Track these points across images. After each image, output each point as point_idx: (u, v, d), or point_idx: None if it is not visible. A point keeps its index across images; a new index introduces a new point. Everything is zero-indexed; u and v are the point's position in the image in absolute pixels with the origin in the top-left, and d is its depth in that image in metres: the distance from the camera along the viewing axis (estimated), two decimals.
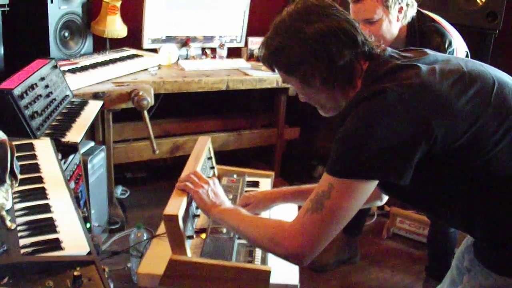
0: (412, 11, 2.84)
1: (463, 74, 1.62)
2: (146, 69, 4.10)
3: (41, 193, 1.94)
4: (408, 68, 1.62)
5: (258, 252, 2.00)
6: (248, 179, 2.63)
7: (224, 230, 2.10)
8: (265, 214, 2.26)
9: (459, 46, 2.86)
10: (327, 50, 1.64)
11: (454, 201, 1.63)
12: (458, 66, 1.66)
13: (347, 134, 1.55)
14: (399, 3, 2.76)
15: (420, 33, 2.85)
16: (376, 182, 1.57)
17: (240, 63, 4.61)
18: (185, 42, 4.53)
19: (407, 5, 2.80)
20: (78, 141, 2.72)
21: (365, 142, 1.49)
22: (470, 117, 1.54)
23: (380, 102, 1.53)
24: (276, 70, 1.81)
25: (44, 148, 2.38)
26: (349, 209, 1.57)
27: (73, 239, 1.67)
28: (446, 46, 2.77)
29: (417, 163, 1.52)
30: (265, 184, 2.63)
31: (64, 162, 2.70)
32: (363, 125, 1.53)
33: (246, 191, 2.50)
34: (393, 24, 2.80)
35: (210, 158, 2.56)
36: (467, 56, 2.93)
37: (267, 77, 4.33)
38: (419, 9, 2.92)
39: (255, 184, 2.61)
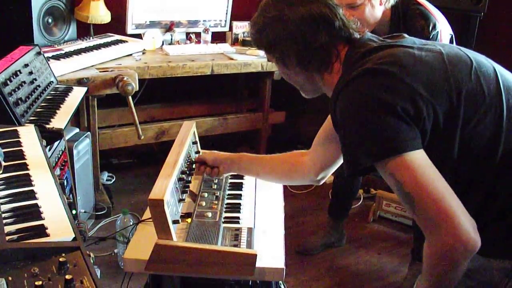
0: None
1: (441, 53, 1.65)
2: (130, 55, 4.09)
3: (26, 180, 1.93)
4: (385, 48, 1.67)
5: (244, 236, 2.01)
6: None
7: (210, 214, 2.11)
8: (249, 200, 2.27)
9: (443, 29, 2.86)
10: (303, 33, 1.71)
11: None
12: (435, 47, 1.70)
13: (353, 122, 1.57)
14: None
15: (404, 16, 2.85)
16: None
17: (224, 47, 4.60)
18: (169, 27, 4.51)
19: None
20: (63, 127, 2.71)
21: (373, 118, 1.52)
22: (451, 94, 1.56)
23: (367, 80, 1.58)
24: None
25: (28, 135, 2.36)
26: (430, 178, 1.49)
27: (58, 226, 1.66)
28: (430, 28, 2.78)
29: None
30: None
31: (50, 149, 2.69)
32: (357, 109, 1.56)
33: (231, 175, 2.50)
34: (376, 8, 2.80)
35: (195, 143, 2.56)
36: (451, 39, 2.94)
37: (252, 61, 4.34)
38: None
39: None
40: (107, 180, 4.45)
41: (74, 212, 2.89)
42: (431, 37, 2.77)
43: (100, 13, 4.09)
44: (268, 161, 2.36)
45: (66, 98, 3.07)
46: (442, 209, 1.46)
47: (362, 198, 4.44)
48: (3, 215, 1.69)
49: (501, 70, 1.70)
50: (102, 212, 3.87)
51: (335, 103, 1.65)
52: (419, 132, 1.52)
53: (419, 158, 1.50)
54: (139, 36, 4.32)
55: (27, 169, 2.02)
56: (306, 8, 1.71)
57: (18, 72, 2.79)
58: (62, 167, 2.95)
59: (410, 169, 1.49)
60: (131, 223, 3.17)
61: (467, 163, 1.60)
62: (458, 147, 1.57)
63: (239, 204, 2.29)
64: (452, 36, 2.96)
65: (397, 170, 1.51)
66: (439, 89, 1.55)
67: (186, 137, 2.37)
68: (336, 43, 1.74)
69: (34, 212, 1.72)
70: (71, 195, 3.08)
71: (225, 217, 2.14)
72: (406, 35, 1.79)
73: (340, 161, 2.15)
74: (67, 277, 1.29)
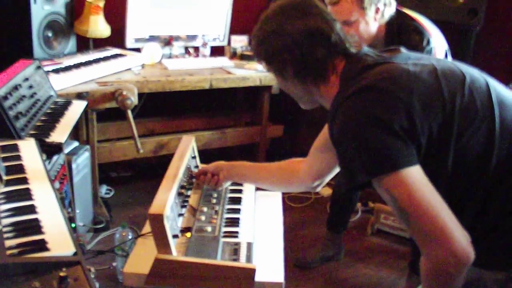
0: (390, 10, 2.87)
1: (435, 68, 1.69)
2: (129, 69, 4.10)
3: (26, 194, 1.93)
4: (381, 64, 1.71)
5: (243, 250, 2.02)
6: None
7: (209, 229, 2.12)
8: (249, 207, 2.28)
9: (437, 45, 2.88)
10: (300, 47, 1.75)
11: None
12: (429, 62, 1.73)
13: (350, 138, 1.60)
14: (375, 4, 2.79)
15: (399, 32, 2.88)
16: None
17: (223, 61, 4.62)
18: (168, 41, 4.54)
19: (384, 4, 2.83)
20: (63, 141, 2.72)
21: (370, 136, 1.55)
22: (444, 108, 1.59)
23: (364, 98, 1.61)
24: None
25: (28, 149, 2.37)
26: (424, 194, 1.52)
27: (58, 240, 1.66)
28: (424, 44, 2.80)
29: None
30: None
31: (49, 162, 2.70)
32: (354, 126, 1.59)
33: (230, 190, 2.52)
34: (370, 24, 2.84)
35: (194, 157, 2.58)
36: (446, 54, 2.96)
37: (250, 76, 4.36)
38: (398, 8, 2.95)
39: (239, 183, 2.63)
40: (105, 193, 4.44)
41: (73, 225, 2.90)
42: (425, 52, 2.79)
43: (99, 27, 4.10)
44: (266, 168, 2.42)
45: (65, 112, 3.07)
46: (436, 225, 1.49)
47: (360, 211, 4.44)
48: (4, 229, 1.70)
49: (494, 84, 1.73)
50: (100, 226, 3.86)
51: (333, 119, 1.69)
52: (414, 147, 1.55)
53: (414, 174, 1.53)
54: (138, 50, 4.33)
55: (28, 183, 2.03)
56: (304, 22, 1.75)
57: (19, 86, 2.80)
58: (61, 181, 2.96)
59: (405, 186, 1.52)
60: (130, 237, 3.17)
61: (461, 176, 1.62)
62: (452, 161, 1.60)
63: (238, 218, 2.30)
64: (446, 52, 2.98)
65: (392, 186, 1.54)
66: (433, 104, 1.59)
67: (186, 152, 2.39)
68: (332, 57, 1.78)
69: (35, 227, 1.73)
70: (70, 209, 3.08)
71: (225, 232, 2.16)
72: (402, 49, 1.82)
73: (336, 170, 2.22)
74: None
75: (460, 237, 1.48)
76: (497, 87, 1.72)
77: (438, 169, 1.61)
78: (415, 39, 2.81)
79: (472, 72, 1.73)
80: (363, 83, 1.64)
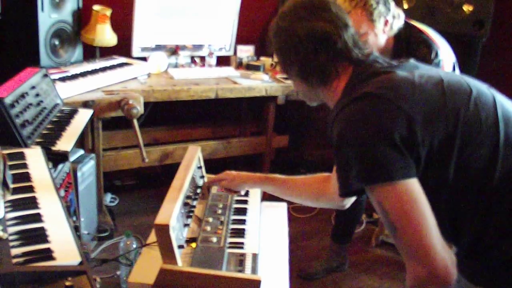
0: (398, 23, 2.87)
1: (442, 80, 1.68)
2: (135, 78, 4.11)
3: (32, 203, 1.94)
4: (387, 73, 1.70)
5: (249, 261, 2.02)
6: None
7: (214, 239, 2.12)
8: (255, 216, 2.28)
9: (445, 57, 2.88)
10: (304, 49, 1.76)
11: (438, 208, 1.66)
12: (437, 74, 1.73)
13: (348, 144, 1.59)
14: (384, 17, 2.80)
15: (407, 44, 2.88)
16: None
17: (229, 71, 4.63)
18: (174, 51, 4.54)
19: (393, 17, 2.83)
20: (69, 149, 2.73)
21: (368, 144, 1.54)
22: (448, 122, 1.58)
23: (365, 105, 1.61)
24: None
25: (34, 157, 2.38)
26: (415, 210, 1.51)
27: (64, 249, 1.67)
28: (433, 57, 2.81)
29: None
30: (254, 192, 2.65)
31: (54, 171, 2.70)
32: (353, 132, 1.58)
33: (235, 200, 2.51)
34: (379, 36, 2.84)
35: (200, 168, 2.58)
36: (454, 67, 2.96)
37: (256, 86, 4.36)
38: (407, 20, 2.95)
39: (245, 193, 2.62)
40: (110, 201, 4.45)
41: (77, 233, 2.90)
42: (433, 65, 2.79)
43: (106, 36, 4.12)
44: (295, 185, 2.39)
45: (71, 120, 3.09)
46: (422, 243, 1.49)
47: (365, 223, 4.43)
48: (10, 237, 1.70)
49: (501, 100, 1.71)
50: (105, 234, 3.86)
51: (333, 124, 1.69)
52: (413, 160, 1.54)
53: (408, 187, 1.52)
54: (144, 59, 4.34)
55: (34, 192, 2.04)
56: (312, 25, 1.75)
57: (25, 94, 2.81)
58: (67, 189, 2.96)
59: (397, 198, 1.52)
60: (134, 245, 3.17)
61: (462, 189, 1.61)
62: (454, 174, 1.59)
63: (244, 229, 2.30)
64: (454, 64, 2.98)
65: (384, 197, 1.54)
66: (436, 117, 1.58)
67: (192, 162, 2.39)
68: (336, 63, 1.78)
69: (41, 235, 1.73)
70: (75, 217, 3.08)
71: (230, 242, 2.16)
72: (412, 60, 1.82)
73: None
74: None
75: (444, 258, 1.48)
76: (505, 103, 1.71)
77: (439, 181, 1.60)
78: (424, 52, 2.81)
79: (480, 87, 1.72)
80: (366, 90, 1.64)
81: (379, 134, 1.53)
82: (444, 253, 1.48)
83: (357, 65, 1.78)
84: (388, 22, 2.83)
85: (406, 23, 2.93)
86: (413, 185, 1.53)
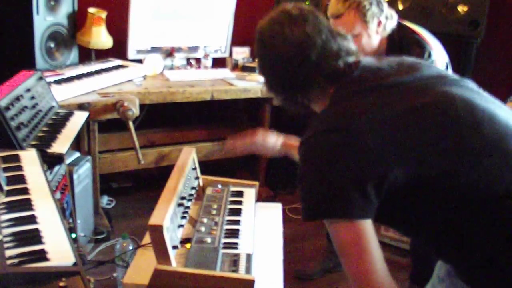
0: (391, 23, 2.89)
1: (453, 98, 1.61)
2: (131, 80, 4.12)
3: (27, 205, 1.94)
4: (368, 92, 1.65)
5: (243, 262, 2.03)
6: (232, 189, 2.66)
7: (209, 240, 2.13)
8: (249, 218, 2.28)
9: (438, 58, 2.89)
10: (282, 62, 1.74)
11: (429, 228, 1.66)
12: (450, 88, 1.65)
13: (309, 176, 1.61)
14: (378, 17, 2.81)
15: (400, 45, 2.89)
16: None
17: (224, 73, 4.64)
18: (170, 53, 4.55)
19: (386, 18, 2.85)
20: (64, 152, 2.73)
21: (331, 179, 1.54)
22: (426, 151, 1.54)
23: (331, 139, 1.58)
24: None
25: (30, 160, 2.38)
26: (367, 249, 1.55)
27: (58, 250, 1.67)
28: (425, 57, 2.81)
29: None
30: (250, 194, 2.66)
31: (50, 173, 2.71)
32: (315, 165, 1.59)
33: (230, 201, 2.52)
34: (373, 37, 2.85)
35: (194, 169, 2.59)
36: (447, 67, 2.97)
37: (252, 87, 4.37)
38: (400, 21, 2.96)
39: (240, 194, 2.64)
40: (106, 204, 4.45)
41: (74, 236, 2.91)
42: None
43: (101, 39, 4.13)
44: None
45: (67, 123, 3.09)
46: (367, 280, 1.57)
47: None
48: (4, 239, 1.70)
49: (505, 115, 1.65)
50: (101, 236, 3.86)
51: (300, 146, 1.67)
52: (376, 197, 1.53)
53: (363, 227, 1.54)
54: (140, 61, 4.35)
55: (28, 194, 2.03)
56: (290, 38, 1.71)
57: (20, 97, 2.81)
58: (63, 191, 2.96)
59: (352, 235, 1.54)
60: (131, 247, 3.17)
61: (458, 212, 1.56)
62: (451, 198, 1.55)
63: (238, 230, 2.30)
64: (447, 64, 2.98)
65: (339, 231, 1.56)
66: (412, 146, 1.53)
67: (186, 163, 2.40)
68: (312, 79, 1.73)
69: (35, 237, 1.74)
70: (71, 219, 3.09)
71: (224, 243, 2.16)
72: (424, 66, 1.78)
73: None
74: None
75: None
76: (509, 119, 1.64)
77: (430, 207, 1.58)
78: (416, 52, 2.82)
79: (489, 106, 1.64)
80: (336, 121, 1.60)
81: (341, 171, 1.52)
82: (387, 285, 1.60)
83: (340, 81, 1.72)
84: (381, 23, 2.84)
85: (399, 24, 2.95)
86: (368, 225, 1.55)
